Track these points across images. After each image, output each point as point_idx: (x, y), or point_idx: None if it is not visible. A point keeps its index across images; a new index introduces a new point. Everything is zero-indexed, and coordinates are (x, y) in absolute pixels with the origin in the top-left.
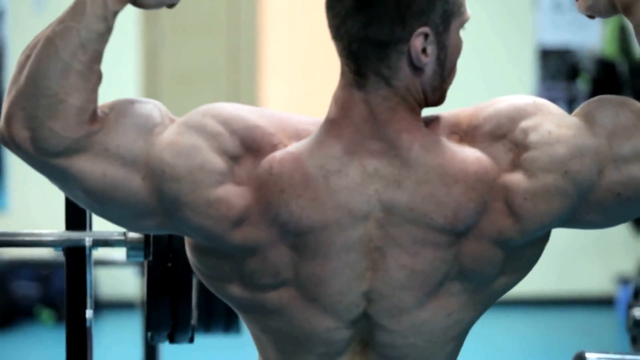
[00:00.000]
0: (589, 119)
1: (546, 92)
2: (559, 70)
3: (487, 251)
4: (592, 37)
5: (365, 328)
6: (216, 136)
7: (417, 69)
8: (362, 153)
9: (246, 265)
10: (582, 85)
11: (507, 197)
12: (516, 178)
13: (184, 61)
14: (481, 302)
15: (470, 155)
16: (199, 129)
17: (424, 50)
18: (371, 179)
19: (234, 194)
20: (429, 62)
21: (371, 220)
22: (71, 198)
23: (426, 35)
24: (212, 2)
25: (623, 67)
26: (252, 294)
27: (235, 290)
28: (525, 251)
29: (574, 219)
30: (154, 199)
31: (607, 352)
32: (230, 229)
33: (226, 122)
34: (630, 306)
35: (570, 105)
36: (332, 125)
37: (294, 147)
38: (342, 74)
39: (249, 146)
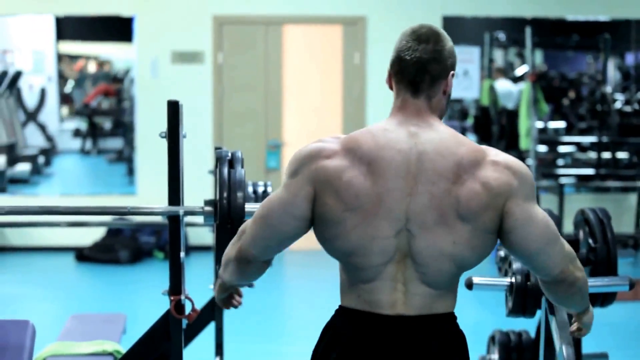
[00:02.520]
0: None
1: (448, 126)
2: (456, 112)
3: (477, 195)
4: (474, 92)
5: (404, 240)
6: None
7: (444, 93)
8: (408, 125)
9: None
10: (469, 121)
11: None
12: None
13: (238, 106)
14: (478, 247)
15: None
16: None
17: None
18: (412, 136)
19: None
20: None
21: (412, 156)
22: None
23: (452, 75)
24: (254, 70)
25: (493, 111)
26: (343, 213)
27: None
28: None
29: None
30: None
31: (485, 277)
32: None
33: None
34: (497, 249)
35: (462, 134)
36: (391, 116)
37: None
38: (398, 92)
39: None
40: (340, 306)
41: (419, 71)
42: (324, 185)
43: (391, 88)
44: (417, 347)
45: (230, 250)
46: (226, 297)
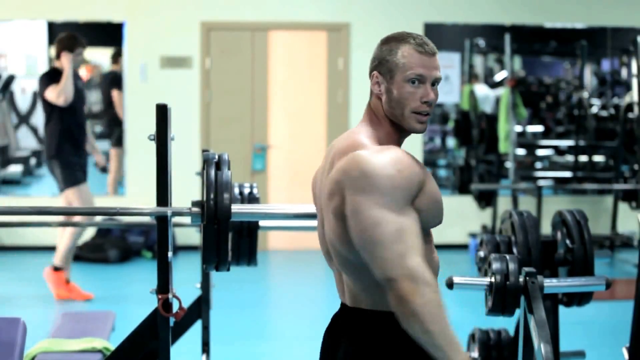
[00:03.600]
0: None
1: (429, 130)
2: (437, 116)
3: (331, 180)
4: (454, 97)
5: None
6: None
7: (374, 94)
8: None
9: None
10: (450, 125)
11: None
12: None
13: (225, 109)
14: (341, 235)
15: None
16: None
17: (377, 84)
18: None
19: None
20: (381, 94)
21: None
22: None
23: (375, 77)
24: (240, 75)
25: (473, 115)
26: None
27: None
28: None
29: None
30: None
31: (465, 276)
32: None
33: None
34: (477, 250)
35: (443, 138)
36: None
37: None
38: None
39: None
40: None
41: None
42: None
43: None
44: (345, 338)
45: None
46: None
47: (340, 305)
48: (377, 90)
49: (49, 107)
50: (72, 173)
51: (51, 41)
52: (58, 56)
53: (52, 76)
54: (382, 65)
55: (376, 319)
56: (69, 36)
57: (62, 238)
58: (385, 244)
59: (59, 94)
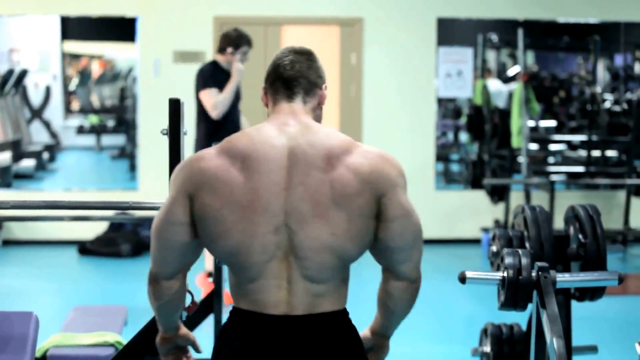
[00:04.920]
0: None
1: (442, 125)
2: (449, 111)
3: (348, 180)
4: (467, 92)
5: (284, 236)
6: None
7: (319, 104)
8: (282, 124)
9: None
10: (463, 120)
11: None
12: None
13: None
14: (356, 236)
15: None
16: None
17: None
18: (285, 133)
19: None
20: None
21: (285, 150)
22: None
23: (326, 90)
24: (253, 69)
25: (485, 110)
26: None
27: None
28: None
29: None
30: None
31: (478, 271)
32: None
33: None
34: (489, 245)
35: (456, 133)
36: (267, 120)
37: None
38: (274, 100)
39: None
40: (232, 307)
41: (296, 76)
42: (201, 186)
43: (266, 105)
44: (302, 347)
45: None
46: (170, 352)
47: (277, 318)
48: (324, 102)
49: (201, 107)
50: None
51: (64, 36)
52: (221, 51)
53: (212, 74)
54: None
55: (341, 317)
56: (235, 32)
57: None
58: (422, 244)
59: (214, 107)
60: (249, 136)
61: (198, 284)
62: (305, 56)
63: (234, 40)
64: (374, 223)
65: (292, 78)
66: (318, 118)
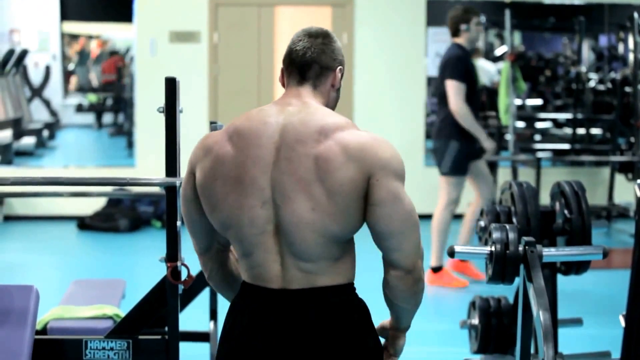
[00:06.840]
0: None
1: (431, 103)
2: (438, 90)
3: (334, 153)
4: None
5: (271, 211)
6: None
7: (333, 86)
8: (283, 104)
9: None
10: None
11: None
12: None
13: (232, 83)
14: (337, 213)
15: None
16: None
17: (339, 79)
18: (282, 112)
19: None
20: (335, 89)
21: (277, 126)
22: None
23: (341, 72)
24: (247, 49)
25: None
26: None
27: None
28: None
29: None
30: None
31: (466, 245)
32: None
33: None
34: (478, 220)
35: None
36: (275, 100)
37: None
38: (287, 84)
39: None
40: (242, 280)
41: (307, 60)
42: (200, 160)
43: (283, 85)
44: (298, 321)
45: None
46: None
47: (277, 292)
48: (338, 84)
49: (444, 92)
50: (459, 163)
51: (63, 17)
52: (455, 33)
53: (462, 62)
54: (343, 63)
55: (340, 291)
56: (462, 9)
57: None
58: (418, 230)
59: (459, 109)
60: (249, 115)
61: (430, 283)
62: (320, 39)
63: (461, 18)
64: (362, 204)
65: (304, 63)
66: (334, 100)
